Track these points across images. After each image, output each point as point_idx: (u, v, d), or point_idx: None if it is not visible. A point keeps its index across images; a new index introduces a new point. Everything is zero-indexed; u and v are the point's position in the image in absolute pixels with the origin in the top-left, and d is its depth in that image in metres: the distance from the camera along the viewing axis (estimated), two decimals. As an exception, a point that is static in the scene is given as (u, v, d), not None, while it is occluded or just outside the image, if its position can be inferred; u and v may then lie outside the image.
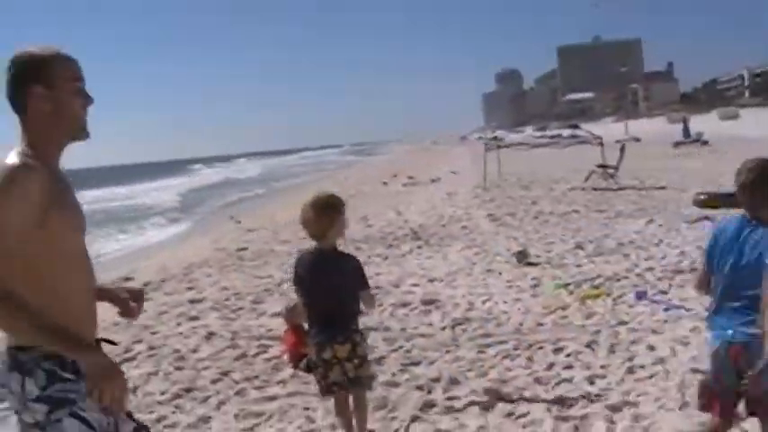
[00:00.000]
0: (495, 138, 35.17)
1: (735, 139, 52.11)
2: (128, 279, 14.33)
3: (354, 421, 5.38)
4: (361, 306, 5.24)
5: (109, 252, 23.63)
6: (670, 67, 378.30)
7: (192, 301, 11.42)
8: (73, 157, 3.26)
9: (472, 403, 6.36)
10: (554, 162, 38.35)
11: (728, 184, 19.88)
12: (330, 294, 5.13)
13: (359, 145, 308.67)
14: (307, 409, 6.54)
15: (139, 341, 9.22)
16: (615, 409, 6.15)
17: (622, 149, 26.26)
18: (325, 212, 5.10)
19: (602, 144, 27.67)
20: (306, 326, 7.84)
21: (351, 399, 5.39)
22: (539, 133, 50.64)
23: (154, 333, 9.60)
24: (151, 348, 8.80)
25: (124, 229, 31.90)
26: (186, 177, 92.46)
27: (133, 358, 8.46)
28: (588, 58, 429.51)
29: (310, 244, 5.24)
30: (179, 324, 10.00)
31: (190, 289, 12.59)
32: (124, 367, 7.69)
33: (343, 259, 5.21)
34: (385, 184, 35.90)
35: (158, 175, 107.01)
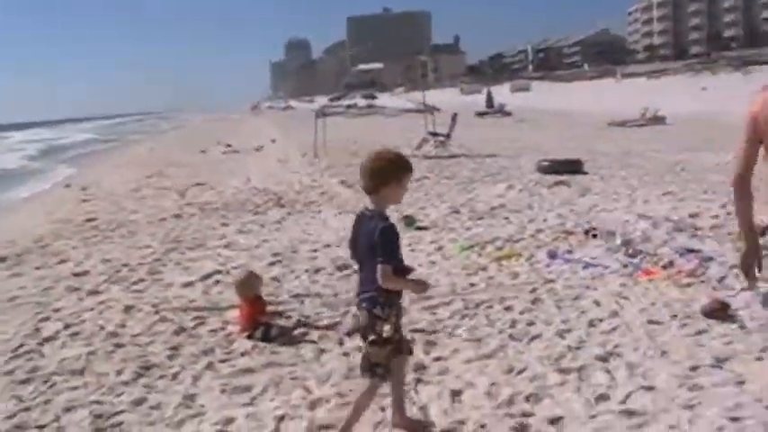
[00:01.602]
0: (328, 106, 34.62)
1: (531, 110, 54.69)
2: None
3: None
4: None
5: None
6: (456, 40, 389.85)
7: (77, 275, 10.64)
8: None
9: (466, 361, 6.27)
10: (367, 130, 38.83)
11: (554, 152, 21.12)
12: (360, 258, 4.83)
13: (141, 114, 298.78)
14: (294, 378, 6.23)
15: (47, 318, 8.49)
16: (604, 359, 6.26)
17: (454, 118, 26.71)
18: (380, 170, 4.68)
19: (432, 113, 28.06)
20: (261, 295, 7.61)
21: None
22: (335, 103, 50.64)
23: (57, 310, 8.84)
24: (68, 326, 8.09)
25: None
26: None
27: (53, 338, 7.74)
28: (377, 29, 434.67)
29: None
30: (80, 299, 9.26)
31: (62, 262, 11.72)
32: (48, 348, 7.13)
33: (373, 222, 4.66)
34: (203, 152, 34.98)
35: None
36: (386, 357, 4.82)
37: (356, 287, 4.97)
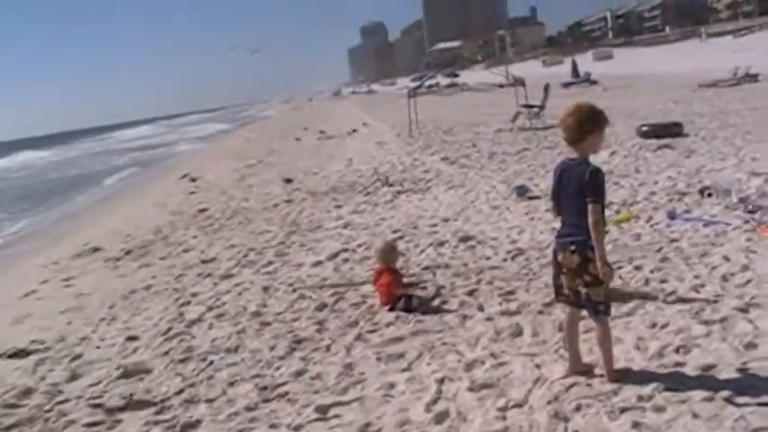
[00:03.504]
0: (420, 86, 34.60)
1: (616, 78, 53.71)
2: (97, 249, 13.75)
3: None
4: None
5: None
6: (534, 11, 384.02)
7: (205, 261, 11.09)
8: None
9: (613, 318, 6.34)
10: (455, 108, 38.74)
11: (648, 117, 20.81)
12: (567, 202, 5.12)
13: (223, 108, 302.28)
14: (445, 344, 6.45)
15: (187, 303, 8.91)
16: (744, 310, 6.32)
17: (546, 89, 26.51)
18: (583, 121, 5.03)
19: (524, 85, 27.89)
20: (397, 266, 7.82)
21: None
22: (416, 83, 50.32)
23: (195, 295, 9.25)
24: (211, 309, 8.48)
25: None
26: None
27: (199, 320, 8.13)
28: (453, 6, 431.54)
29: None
30: (215, 284, 9.68)
31: (186, 251, 12.19)
32: (197, 330, 7.46)
33: (581, 167, 4.99)
34: (298, 139, 35.50)
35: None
36: (605, 295, 5.15)
37: (560, 231, 5.28)
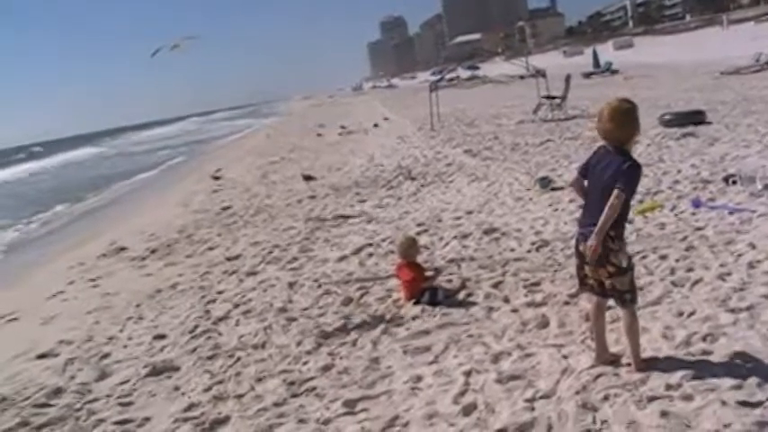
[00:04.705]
0: (441, 79, 34.45)
1: (637, 66, 53.37)
2: (122, 249, 13.82)
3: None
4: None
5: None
6: (552, 2, 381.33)
7: (230, 259, 11.14)
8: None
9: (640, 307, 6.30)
10: (474, 101, 38.67)
11: (670, 105, 20.67)
12: (597, 191, 5.03)
13: (247, 106, 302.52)
14: (471, 336, 6.45)
15: (213, 301, 8.95)
16: (769, 297, 6.26)
17: (568, 79, 26.37)
18: (619, 116, 4.99)
19: (545, 76, 27.75)
20: (418, 260, 7.82)
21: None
22: (437, 77, 50.23)
23: (221, 292, 9.30)
24: (237, 306, 8.52)
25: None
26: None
27: (226, 317, 8.17)
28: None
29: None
30: (241, 281, 9.73)
31: (211, 249, 12.24)
32: (224, 327, 7.49)
33: (621, 157, 4.94)
34: (319, 135, 35.54)
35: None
36: (630, 283, 5.12)
37: (582, 220, 5.21)
